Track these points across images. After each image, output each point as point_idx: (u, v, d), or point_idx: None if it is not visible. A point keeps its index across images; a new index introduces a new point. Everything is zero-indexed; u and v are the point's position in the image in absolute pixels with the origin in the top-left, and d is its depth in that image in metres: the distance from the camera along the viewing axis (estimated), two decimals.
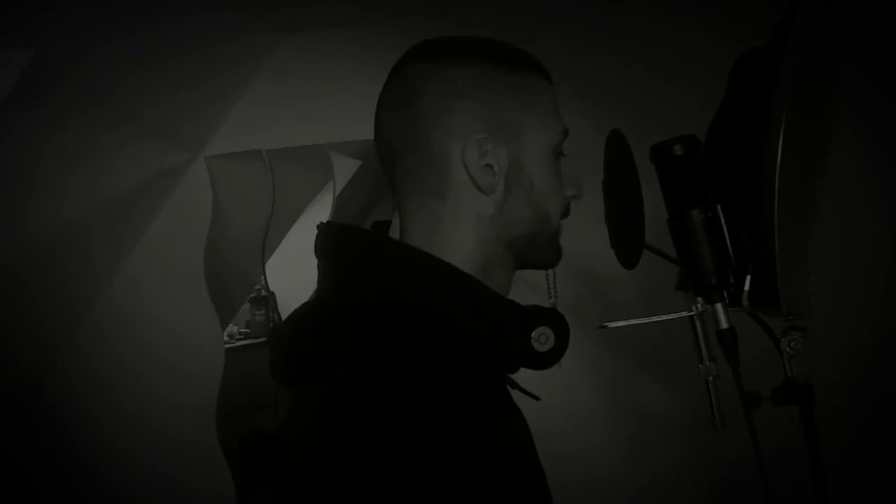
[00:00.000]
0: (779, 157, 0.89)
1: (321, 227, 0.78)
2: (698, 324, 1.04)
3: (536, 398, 0.82)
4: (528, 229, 0.76)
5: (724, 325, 0.97)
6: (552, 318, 0.72)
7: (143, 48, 1.65)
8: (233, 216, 2.33)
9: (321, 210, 2.77)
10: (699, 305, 1.04)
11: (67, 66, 1.52)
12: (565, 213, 0.81)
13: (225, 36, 1.84)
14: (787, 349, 0.99)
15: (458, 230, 0.74)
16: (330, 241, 0.76)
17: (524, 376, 0.82)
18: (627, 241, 1.03)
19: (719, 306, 0.97)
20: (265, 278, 2.70)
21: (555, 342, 0.71)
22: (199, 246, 2.09)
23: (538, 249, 0.79)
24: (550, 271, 1.97)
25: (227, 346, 2.65)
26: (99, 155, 1.80)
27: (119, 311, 2.16)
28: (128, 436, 2.11)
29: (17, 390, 2.10)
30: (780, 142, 0.89)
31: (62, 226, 1.86)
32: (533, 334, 0.70)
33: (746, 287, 0.98)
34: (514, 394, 0.79)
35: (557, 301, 1.99)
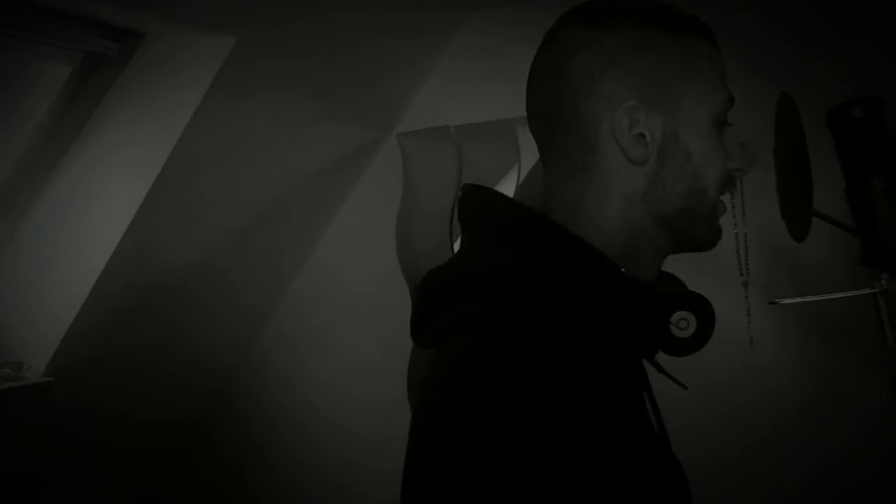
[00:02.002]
0: None
1: (467, 189, 0.77)
2: (882, 302, 0.95)
3: (684, 387, 0.76)
4: (683, 204, 0.71)
5: None
6: (695, 302, 0.69)
7: (334, 29, 1.73)
8: (424, 192, 2.40)
9: (508, 185, 2.78)
10: (884, 282, 0.95)
11: (263, 50, 1.62)
12: (730, 187, 0.75)
13: (413, 14, 1.90)
14: None
15: (603, 207, 0.71)
16: (477, 207, 0.76)
17: (698, 359, 0.76)
18: (798, 212, 0.96)
19: None
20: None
21: (697, 328, 0.68)
22: (391, 222, 2.16)
23: (694, 227, 0.73)
24: (743, 247, 1.86)
25: None
26: (296, 135, 1.93)
27: (312, 287, 2.35)
28: (339, 380, 2.30)
29: (222, 365, 2.33)
30: None
31: (256, 209, 2.03)
32: (672, 319, 0.68)
33: None
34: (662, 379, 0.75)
35: (750, 279, 1.88)
